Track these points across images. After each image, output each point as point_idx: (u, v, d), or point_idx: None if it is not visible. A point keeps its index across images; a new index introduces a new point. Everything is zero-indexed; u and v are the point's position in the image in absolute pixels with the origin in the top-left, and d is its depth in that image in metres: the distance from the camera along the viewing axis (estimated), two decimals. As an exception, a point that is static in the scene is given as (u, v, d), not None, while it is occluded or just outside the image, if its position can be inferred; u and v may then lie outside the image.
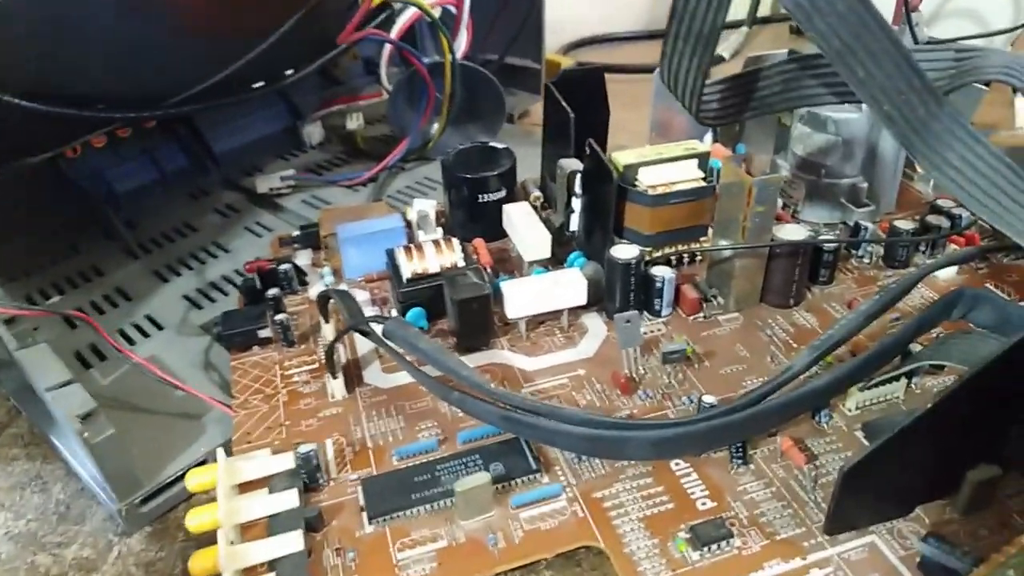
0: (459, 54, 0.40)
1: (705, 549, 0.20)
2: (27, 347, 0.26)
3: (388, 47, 0.39)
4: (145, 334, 0.32)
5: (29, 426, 0.30)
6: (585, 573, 0.22)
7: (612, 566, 0.21)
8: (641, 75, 0.53)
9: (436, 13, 0.38)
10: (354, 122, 0.45)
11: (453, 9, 0.40)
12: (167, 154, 0.44)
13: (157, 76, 0.31)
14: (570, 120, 0.31)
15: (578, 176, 0.30)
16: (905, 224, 0.31)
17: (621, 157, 0.30)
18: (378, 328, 0.25)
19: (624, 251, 0.27)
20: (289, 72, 0.36)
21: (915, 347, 0.24)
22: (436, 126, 0.40)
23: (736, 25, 0.64)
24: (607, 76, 0.34)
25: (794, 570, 0.20)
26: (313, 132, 0.45)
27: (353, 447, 0.24)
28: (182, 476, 0.25)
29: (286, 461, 0.23)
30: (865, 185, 0.32)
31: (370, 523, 0.21)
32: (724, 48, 0.60)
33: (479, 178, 0.32)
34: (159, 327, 0.32)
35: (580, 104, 0.32)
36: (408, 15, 0.38)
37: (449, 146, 0.33)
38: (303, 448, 0.22)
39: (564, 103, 0.31)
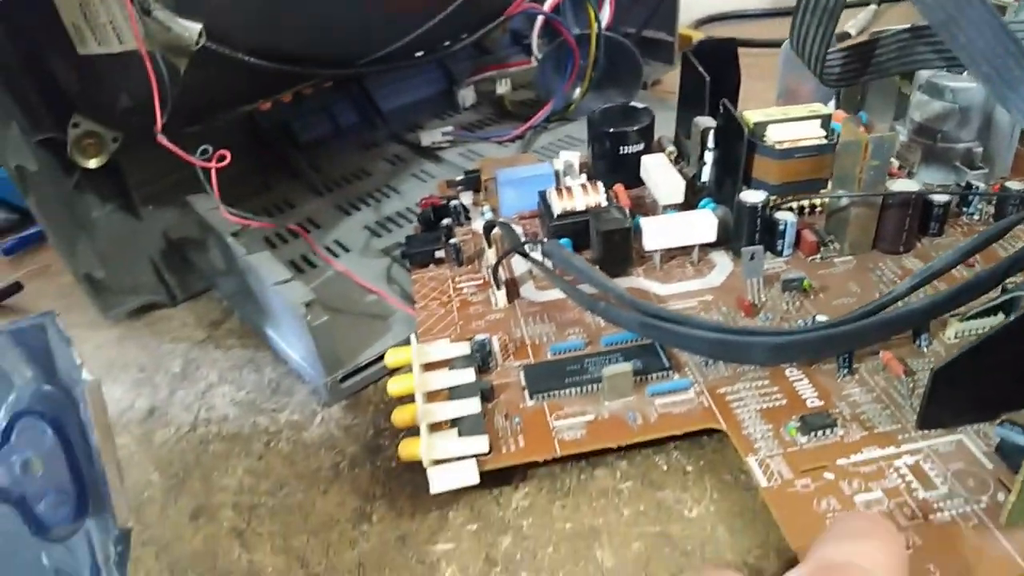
0: (602, 26, 0.44)
1: (812, 435, 0.24)
2: (253, 253, 0.33)
3: (540, 19, 0.44)
4: (335, 254, 0.38)
5: (240, 322, 0.37)
6: (708, 451, 0.26)
7: (732, 445, 0.25)
8: (768, 49, 0.56)
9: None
10: (503, 87, 0.50)
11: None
12: (341, 110, 0.51)
13: (348, 41, 0.37)
14: (705, 83, 0.35)
15: (711, 132, 0.34)
16: (1017, 185, 0.33)
17: (751, 115, 0.33)
18: (535, 251, 0.30)
19: (752, 195, 0.31)
20: (447, 43, 0.41)
21: (1010, 285, 0.27)
22: (578, 91, 0.45)
23: (865, 3, 0.65)
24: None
25: (888, 455, 0.23)
26: (467, 95, 0.51)
27: (515, 343, 0.29)
28: (375, 361, 0.31)
29: (463, 348, 0.28)
30: (980, 150, 0.35)
31: (531, 398, 0.27)
32: (852, 25, 0.62)
33: (621, 132, 0.36)
34: (346, 250, 0.38)
35: (714, 71, 0.36)
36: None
37: (590, 109, 0.38)
38: (478, 337, 0.28)
39: (701, 69, 0.35)
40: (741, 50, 0.39)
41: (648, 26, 0.50)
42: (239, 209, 0.43)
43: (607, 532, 0.24)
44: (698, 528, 0.24)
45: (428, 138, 0.46)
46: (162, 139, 0.32)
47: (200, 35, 0.33)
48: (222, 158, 0.33)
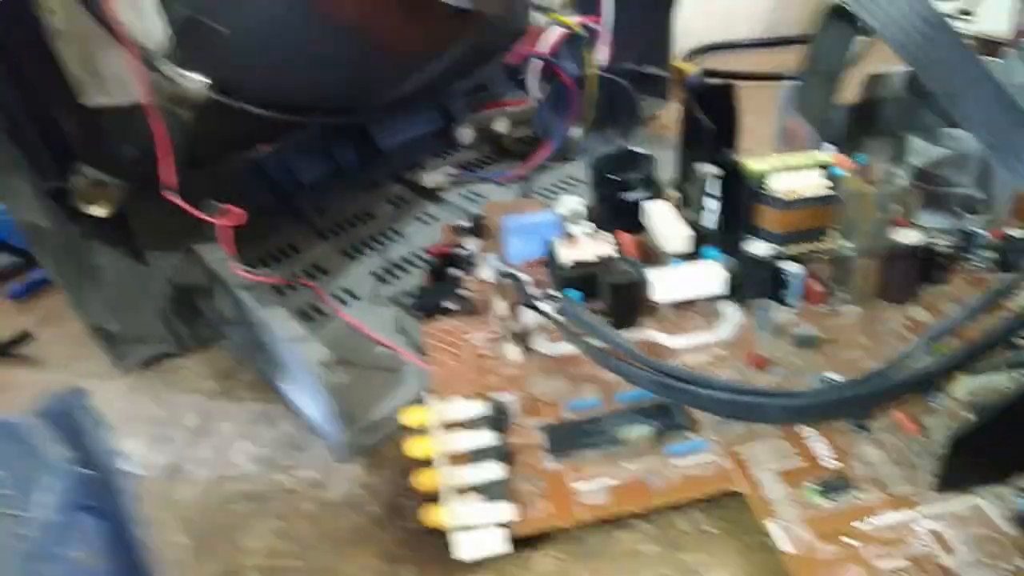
0: (600, 66, 0.45)
1: (831, 498, 0.25)
2: (266, 306, 0.33)
3: (538, 62, 0.44)
4: (343, 302, 0.38)
5: (252, 374, 0.37)
6: (730, 511, 0.27)
7: (750, 508, 0.25)
8: (760, 82, 0.56)
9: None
10: (501, 124, 0.50)
11: (594, 25, 0.45)
12: (341, 150, 0.51)
13: (352, 87, 0.37)
14: (708, 132, 0.36)
15: (713, 180, 0.35)
16: (1018, 232, 0.34)
17: (754, 164, 0.34)
18: (548, 305, 0.31)
19: (759, 247, 0.32)
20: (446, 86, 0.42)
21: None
22: (577, 131, 0.45)
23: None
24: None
25: (907, 519, 0.24)
26: (465, 133, 0.51)
27: (530, 400, 0.29)
28: (390, 416, 0.31)
29: (481, 407, 0.28)
30: (979, 195, 0.36)
31: (552, 460, 0.27)
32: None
33: (624, 180, 0.37)
34: (354, 297, 0.38)
35: (713, 113, 0.36)
36: (558, 33, 0.43)
37: (588, 148, 0.38)
38: (498, 397, 0.28)
39: (704, 118, 0.36)
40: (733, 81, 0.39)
41: (643, 62, 0.51)
42: (243, 255, 0.43)
43: (633, 595, 0.25)
44: (722, 590, 0.25)
45: (430, 179, 0.46)
46: (170, 196, 0.32)
47: (207, 88, 0.33)
48: (235, 214, 0.33)
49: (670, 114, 0.52)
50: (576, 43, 0.43)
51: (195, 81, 0.33)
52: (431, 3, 0.32)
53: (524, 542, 0.26)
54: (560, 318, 0.30)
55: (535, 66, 0.44)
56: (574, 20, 0.42)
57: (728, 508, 0.27)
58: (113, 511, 0.19)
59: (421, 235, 0.43)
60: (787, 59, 0.63)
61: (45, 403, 0.23)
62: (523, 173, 0.45)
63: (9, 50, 0.34)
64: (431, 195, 0.46)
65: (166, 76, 0.32)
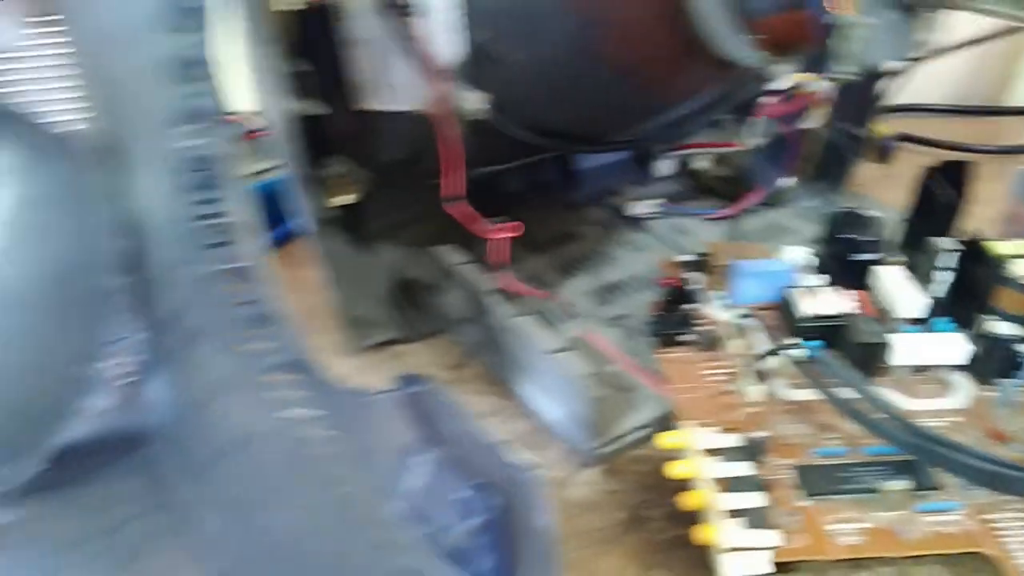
0: (816, 123, 0.47)
1: (1083, 574, 0.26)
2: (521, 315, 0.36)
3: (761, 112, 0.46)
4: (570, 318, 0.41)
5: (482, 368, 0.40)
6: (967, 570, 0.28)
7: (989, 568, 0.27)
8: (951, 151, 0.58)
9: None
10: (703, 162, 0.53)
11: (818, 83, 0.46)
12: (542, 167, 0.54)
13: (607, 123, 0.40)
14: (947, 206, 0.37)
15: (950, 254, 0.36)
16: None
17: (997, 247, 0.36)
18: (795, 352, 0.33)
19: (1001, 327, 0.33)
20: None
21: None
22: (789, 182, 0.48)
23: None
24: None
25: None
26: (663, 166, 0.53)
27: (776, 440, 0.32)
28: (626, 431, 0.34)
29: (734, 439, 0.31)
30: None
31: (807, 498, 0.29)
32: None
33: (855, 239, 0.38)
34: (580, 315, 0.41)
35: (948, 187, 0.38)
36: (790, 81, 0.45)
37: (796, 199, 0.40)
38: (756, 434, 0.30)
39: (945, 192, 0.37)
40: (921, 148, 0.41)
41: (851, 121, 0.52)
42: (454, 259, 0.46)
43: (881, 636, 0.27)
44: (964, 645, 0.26)
45: (638, 208, 0.49)
46: (449, 208, 0.36)
47: (484, 107, 0.36)
48: (516, 228, 0.36)
49: (866, 174, 0.54)
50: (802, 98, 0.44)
51: (474, 100, 0.36)
52: (706, 55, 0.35)
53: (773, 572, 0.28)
54: (809, 367, 0.32)
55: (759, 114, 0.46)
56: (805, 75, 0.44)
57: (967, 566, 0.29)
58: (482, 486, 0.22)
59: (631, 262, 0.45)
60: (979, 129, 0.65)
61: (400, 384, 0.26)
62: (731, 214, 0.48)
63: (313, 49, 0.37)
64: (635, 223, 0.49)
65: (450, 92, 0.36)
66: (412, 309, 0.44)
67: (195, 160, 0.27)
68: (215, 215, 0.27)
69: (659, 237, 0.47)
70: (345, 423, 0.26)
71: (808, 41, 0.28)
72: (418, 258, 0.47)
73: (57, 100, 0.30)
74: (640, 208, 0.49)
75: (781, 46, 0.29)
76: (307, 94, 0.34)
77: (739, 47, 0.29)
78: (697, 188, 0.53)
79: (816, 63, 0.42)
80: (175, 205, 0.29)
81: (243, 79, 0.34)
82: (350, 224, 0.47)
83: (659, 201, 0.49)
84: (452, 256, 0.41)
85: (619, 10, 0.32)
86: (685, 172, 0.54)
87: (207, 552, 0.33)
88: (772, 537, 0.27)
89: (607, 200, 0.52)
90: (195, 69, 0.26)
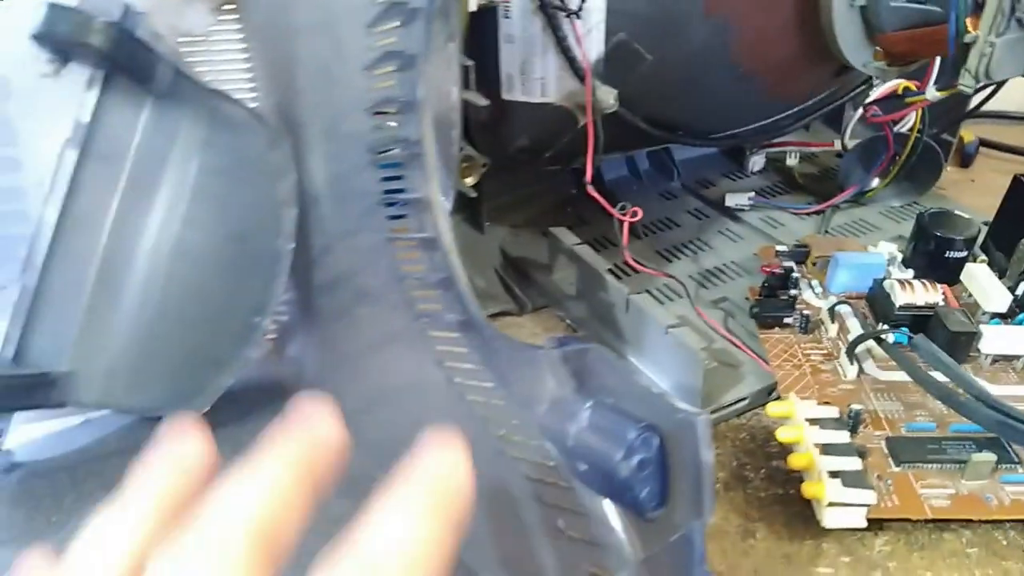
0: (909, 126, 0.50)
1: None
2: (638, 293, 0.40)
3: (859, 112, 0.49)
4: (670, 299, 0.44)
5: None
6: (1052, 542, 0.32)
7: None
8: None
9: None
10: (792, 159, 0.56)
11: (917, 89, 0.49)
12: (639, 157, 0.58)
13: (726, 119, 0.44)
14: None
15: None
16: None
17: (1084, 250, 0.38)
18: (888, 337, 0.36)
19: (1083, 324, 0.36)
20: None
21: None
22: (877, 181, 0.51)
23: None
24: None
25: None
26: (757, 160, 0.57)
27: (869, 414, 0.35)
28: (732, 403, 0.38)
29: (833, 411, 0.34)
30: None
31: (897, 465, 0.33)
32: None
33: (950, 238, 0.41)
34: (679, 296, 0.45)
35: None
36: (885, 88, 0.48)
37: (881, 198, 0.44)
38: (854, 404, 0.34)
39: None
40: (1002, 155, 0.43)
41: (939, 127, 0.55)
42: (563, 240, 0.50)
43: (964, 587, 0.30)
44: (1041, 599, 0.30)
45: (733, 200, 0.52)
46: (591, 190, 0.40)
47: (615, 101, 0.40)
48: (635, 214, 0.40)
49: (947, 177, 0.57)
50: (898, 101, 0.47)
51: (608, 93, 0.40)
52: (829, 61, 0.38)
53: (865, 527, 0.32)
54: (900, 351, 0.36)
55: (856, 114, 0.49)
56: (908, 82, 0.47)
57: (1045, 533, 0.32)
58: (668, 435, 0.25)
59: (728, 250, 0.49)
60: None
61: (559, 343, 0.30)
62: (821, 209, 0.51)
63: (475, 44, 0.41)
64: (730, 213, 0.52)
65: (591, 86, 0.39)
66: (521, 285, 0.48)
67: (386, 141, 0.31)
68: (399, 191, 0.32)
69: (752, 228, 0.51)
70: (506, 375, 0.30)
71: (931, 56, 0.31)
72: (526, 238, 0.51)
73: (238, 80, 0.34)
74: (734, 200, 0.52)
75: (902, 56, 0.32)
76: (467, 86, 0.38)
77: (864, 56, 0.32)
78: (786, 183, 0.56)
79: (917, 70, 0.45)
80: (361, 179, 0.33)
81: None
82: (467, 205, 0.51)
83: (752, 194, 0.52)
84: (567, 236, 0.45)
85: (756, 17, 0.35)
86: (775, 168, 0.57)
87: (352, 490, 0.38)
88: (868, 496, 0.31)
89: (701, 191, 0.55)
90: (395, 60, 0.30)
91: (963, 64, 0.30)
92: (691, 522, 0.24)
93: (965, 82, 0.30)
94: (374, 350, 0.36)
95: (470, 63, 0.36)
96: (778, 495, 0.34)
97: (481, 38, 0.39)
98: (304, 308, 0.37)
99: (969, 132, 0.61)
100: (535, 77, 0.41)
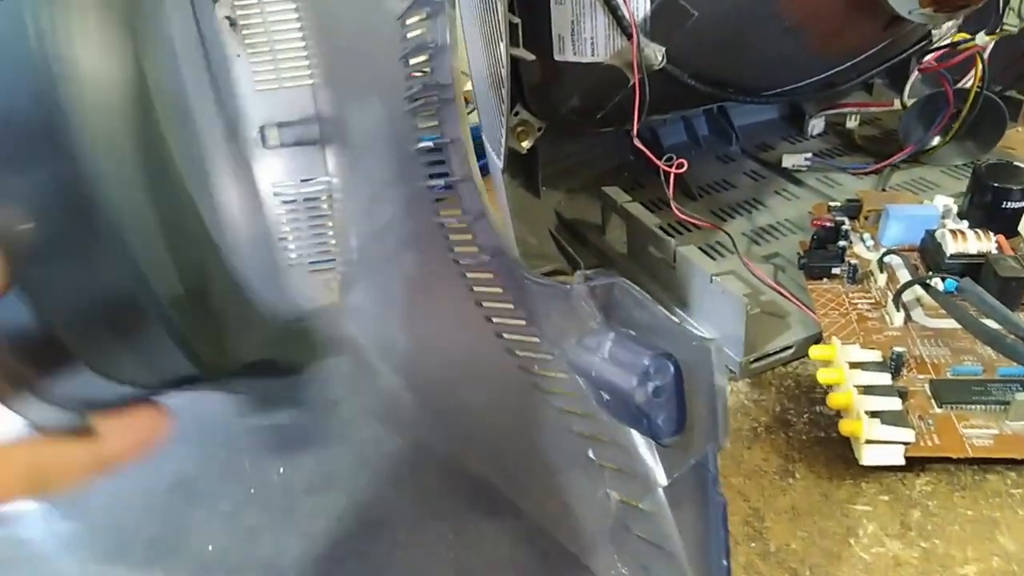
0: (969, 84, 0.49)
1: None
2: (684, 244, 0.41)
3: (918, 69, 0.49)
4: (720, 255, 0.45)
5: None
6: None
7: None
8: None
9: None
10: (853, 121, 0.56)
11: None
12: (697, 122, 0.58)
13: (775, 76, 0.44)
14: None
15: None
16: None
17: None
18: (939, 283, 0.36)
19: None
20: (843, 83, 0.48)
21: None
22: (937, 139, 0.50)
23: None
24: None
25: None
26: (817, 124, 0.56)
27: (915, 359, 0.35)
28: (778, 351, 0.38)
29: (875, 355, 0.35)
30: None
31: (939, 407, 0.33)
32: None
33: (1007, 188, 0.41)
34: (729, 252, 0.45)
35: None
36: (946, 41, 0.47)
37: (943, 157, 0.43)
38: (896, 348, 0.34)
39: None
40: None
41: (1003, 84, 0.54)
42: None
43: (1005, 524, 0.30)
44: (1085, 537, 0.30)
45: (790, 160, 0.52)
46: (637, 142, 0.41)
47: (662, 58, 0.41)
48: (681, 165, 0.41)
49: (1012, 136, 0.55)
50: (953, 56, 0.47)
51: (656, 50, 0.40)
52: (876, 11, 0.38)
53: (905, 467, 0.32)
54: (949, 299, 0.36)
55: (915, 73, 0.48)
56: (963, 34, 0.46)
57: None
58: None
59: (783, 209, 0.49)
60: None
61: (587, 278, 0.31)
62: (879, 169, 0.50)
63: (524, 3, 0.42)
64: (788, 175, 0.52)
65: (639, 44, 0.40)
66: (574, 245, 0.50)
67: (421, 88, 0.33)
68: (435, 138, 0.34)
69: (809, 188, 0.51)
70: (538, 312, 0.32)
71: None
72: (582, 202, 0.53)
73: (292, 40, 0.36)
74: (792, 160, 0.52)
75: (949, 2, 0.32)
76: (516, 44, 0.40)
77: (910, 3, 0.32)
78: (847, 145, 0.55)
79: (973, 23, 0.44)
80: (399, 128, 0.35)
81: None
82: (524, 170, 0.53)
83: (809, 154, 0.52)
84: (619, 195, 0.46)
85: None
86: (835, 131, 0.57)
87: (405, 428, 0.39)
88: (907, 434, 0.31)
89: (760, 155, 0.55)
90: (426, 6, 0.31)
91: (1007, 3, 0.30)
92: (707, 447, 0.25)
93: (1010, 21, 0.30)
94: (419, 293, 0.39)
95: (518, 21, 0.38)
96: (819, 438, 0.35)
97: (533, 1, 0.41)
98: (362, 257, 0.40)
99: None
100: (585, 37, 0.42)
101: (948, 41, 0.44)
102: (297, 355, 0.32)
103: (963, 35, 0.44)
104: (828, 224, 0.42)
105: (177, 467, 0.36)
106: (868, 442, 0.31)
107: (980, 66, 0.45)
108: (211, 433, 0.37)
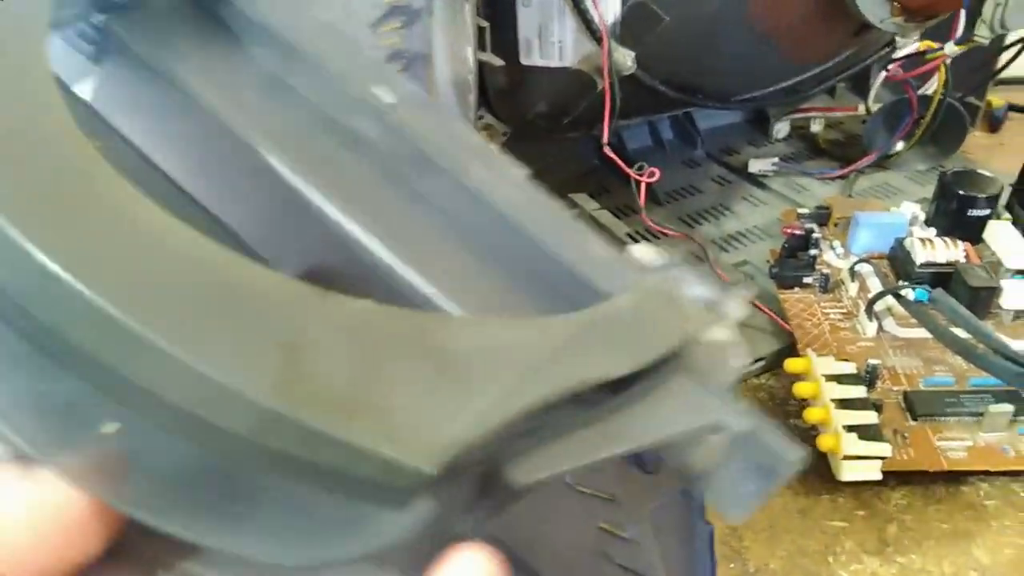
0: (933, 89, 0.49)
1: None
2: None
3: (883, 75, 0.49)
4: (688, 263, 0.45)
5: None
6: (1065, 491, 0.32)
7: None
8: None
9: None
10: (817, 125, 0.56)
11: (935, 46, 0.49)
12: (662, 126, 0.58)
13: (743, 82, 0.44)
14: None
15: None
16: None
17: (1109, 205, 0.38)
18: (910, 293, 0.36)
19: (1108, 278, 0.36)
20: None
21: None
22: (902, 145, 0.50)
23: None
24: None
25: None
26: (781, 128, 0.56)
27: (888, 370, 0.35)
28: (747, 363, 0.38)
29: (851, 367, 0.34)
30: None
31: (914, 419, 0.33)
32: None
33: (972, 196, 0.41)
34: (699, 260, 0.45)
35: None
36: (910, 47, 0.47)
37: (906, 162, 0.43)
38: (871, 360, 0.34)
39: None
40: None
41: (966, 90, 0.54)
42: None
43: (980, 536, 0.30)
44: (1059, 549, 0.30)
45: (756, 165, 0.52)
46: (608, 151, 0.40)
47: (632, 63, 0.40)
48: (652, 174, 0.40)
49: (974, 142, 0.56)
50: (919, 64, 0.47)
51: (625, 55, 0.40)
52: (846, 19, 0.38)
53: (881, 480, 0.32)
54: (919, 308, 0.36)
55: (880, 77, 0.49)
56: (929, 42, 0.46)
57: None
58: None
59: (750, 214, 0.49)
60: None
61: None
62: (845, 174, 0.51)
63: (492, 6, 0.41)
64: (754, 180, 0.52)
65: (608, 49, 0.40)
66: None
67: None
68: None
69: (776, 193, 0.51)
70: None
71: (948, 9, 0.31)
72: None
73: None
74: (758, 166, 0.52)
75: (920, 11, 0.32)
76: (483, 48, 0.38)
77: (881, 12, 0.32)
78: (810, 150, 0.55)
79: (937, 31, 0.45)
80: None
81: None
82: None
83: (776, 160, 0.52)
84: (587, 202, 0.45)
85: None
86: (799, 135, 0.57)
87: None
88: (884, 448, 0.31)
89: (725, 159, 0.55)
90: (401, 16, 0.30)
91: (979, 15, 0.30)
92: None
93: (981, 33, 0.30)
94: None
95: (485, 24, 0.37)
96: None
97: (499, 2, 0.40)
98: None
99: (998, 97, 0.60)
100: (553, 41, 0.41)
101: (915, 49, 0.44)
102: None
103: (929, 44, 0.44)
104: (799, 232, 0.42)
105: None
106: (846, 458, 0.31)
107: (945, 74, 0.45)
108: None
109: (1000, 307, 0.37)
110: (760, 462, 0.15)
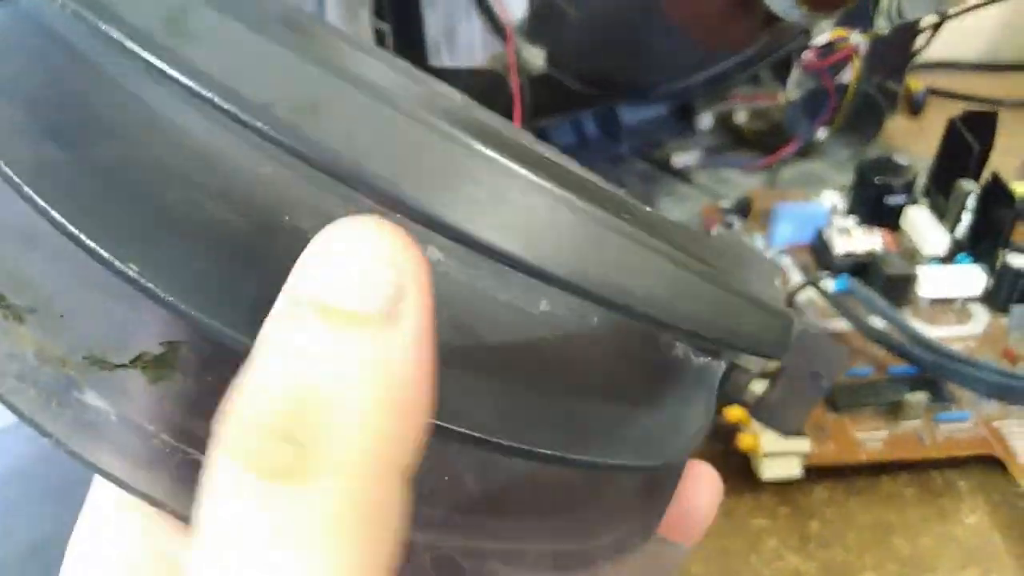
0: (851, 77, 0.49)
1: (1083, 473, 0.29)
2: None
3: (801, 63, 0.49)
4: (616, 260, 0.44)
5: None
6: (976, 473, 0.32)
7: (998, 471, 0.31)
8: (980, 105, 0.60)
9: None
10: (742, 115, 0.56)
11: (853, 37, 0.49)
12: (586, 121, 0.57)
13: (658, 75, 0.43)
14: (972, 152, 0.40)
15: (974, 195, 0.39)
16: None
17: (1019, 187, 0.38)
18: (829, 285, 0.36)
19: (1018, 259, 0.36)
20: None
21: None
22: (823, 132, 0.50)
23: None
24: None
25: None
26: (705, 119, 0.56)
27: (808, 362, 0.35)
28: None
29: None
30: None
31: (836, 411, 0.33)
32: None
33: (888, 183, 0.41)
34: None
35: (975, 136, 0.41)
36: (825, 36, 0.47)
37: (829, 150, 0.43)
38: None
39: (971, 140, 0.40)
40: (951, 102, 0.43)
41: (885, 76, 0.54)
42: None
43: (900, 526, 0.30)
44: (975, 532, 0.30)
45: (679, 159, 0.52)
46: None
47: (543, 61, 0.39)
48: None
49: (896, 126, 0.56)
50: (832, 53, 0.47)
51: (535, 54, 0.39)
52: (754, 9, 0.38)
53: (804, 476, 0.32)
54: (840, 299, 0.36)
55: (798, 67, 0.49)
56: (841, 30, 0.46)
57: (975, 470, 0.32)
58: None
59: (675, 210, 0.48)
60: (1010, 84, 0.66)
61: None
62: (768, 164, 0.50)
63: (391, 8, 0.40)
64: (678, 174, 0.52)
65: (516, 47, 0.39)
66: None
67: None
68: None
69: (700, 187, 0.50)
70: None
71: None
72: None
73: None
74: (682, 159, 0.52)
75: (823, 2, 0.31)
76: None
77: (785, 2, 0.32)
78: (736, 140, 0.55)
79: (852, 19, 0.45)
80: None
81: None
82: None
83: (699, 153, 0.52)
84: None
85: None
86: (724, 126, 0.57)
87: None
88: (804, 444, 0.31)
89: (649, 153, 0.55)
90: None
91: (876, 5, 0.30)
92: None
93: (879, 23, 0.30)
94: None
95: (385, 27, 0.36)
96: (719, 451, 0.34)
97: (406, 4, 0.39)
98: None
99: (918, 81, 0.60)
100: (461, 41, 0.40)
101: (827, 37, 0.44)
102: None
103: (840, 32, 0.44)
104: (719, 227, 0.42)
105: (31, 533, 0.32)
106: (766, 455, 0.31)
107: (857, 63, 0.46)
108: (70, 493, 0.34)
109: (918, 294, 0.37)
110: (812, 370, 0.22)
